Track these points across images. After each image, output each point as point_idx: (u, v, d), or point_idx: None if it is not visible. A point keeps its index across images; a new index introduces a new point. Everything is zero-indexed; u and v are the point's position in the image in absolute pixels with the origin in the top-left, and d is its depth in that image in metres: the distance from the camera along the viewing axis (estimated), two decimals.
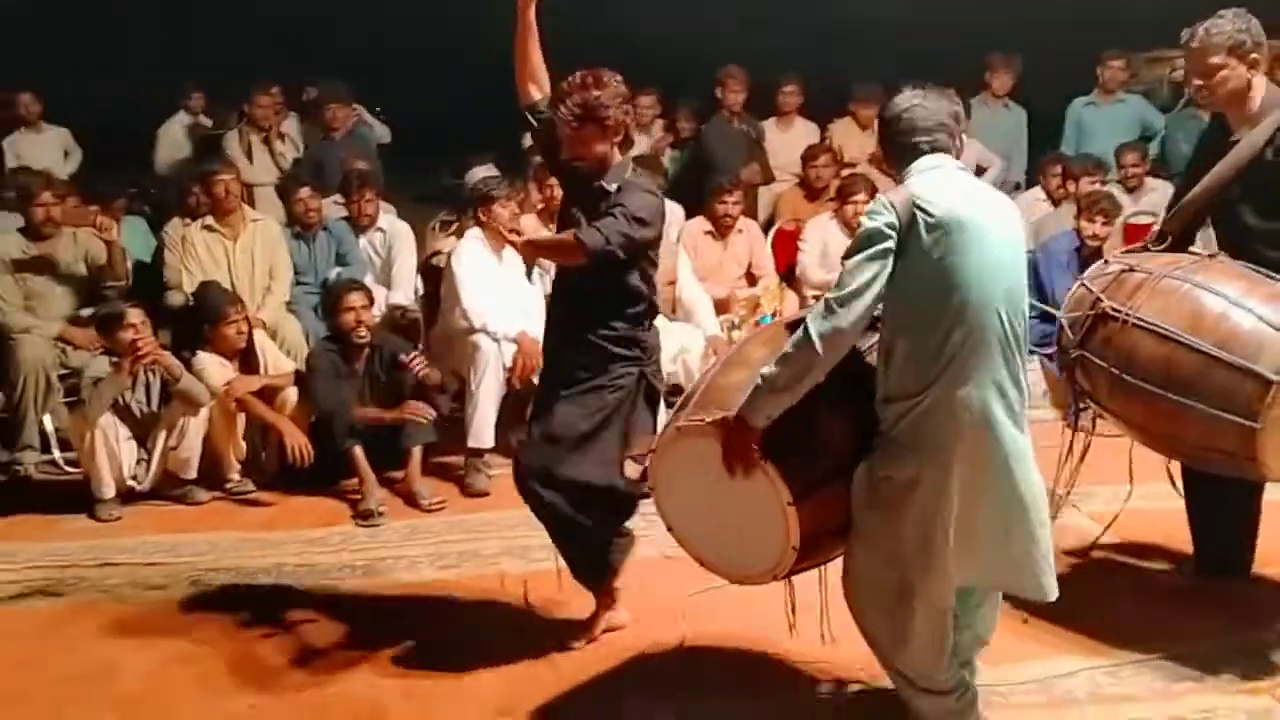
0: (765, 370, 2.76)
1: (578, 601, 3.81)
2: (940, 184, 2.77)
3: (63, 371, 5.67)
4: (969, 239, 2.70)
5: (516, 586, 4.12)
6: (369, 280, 6.19)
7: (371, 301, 5.61)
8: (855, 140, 8.12)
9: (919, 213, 2.69)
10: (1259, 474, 3.38)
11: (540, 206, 6.32)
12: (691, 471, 2.95)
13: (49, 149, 7.94)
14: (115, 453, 5.06)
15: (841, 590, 3.02)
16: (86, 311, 5.77)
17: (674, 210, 7.06)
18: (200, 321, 5.45)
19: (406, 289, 6.34)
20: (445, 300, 5.61)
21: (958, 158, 2.91)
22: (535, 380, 4.40)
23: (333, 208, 6.72)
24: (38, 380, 5.51)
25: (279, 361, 5.57)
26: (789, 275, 6.97)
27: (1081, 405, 3.66)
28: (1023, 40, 8.41)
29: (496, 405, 5.35)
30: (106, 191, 6.89)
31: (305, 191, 6.40)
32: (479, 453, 5.30)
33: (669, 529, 3.13)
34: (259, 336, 5.57)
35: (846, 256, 2.77)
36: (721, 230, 6.63)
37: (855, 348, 2.84)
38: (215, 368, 5.25)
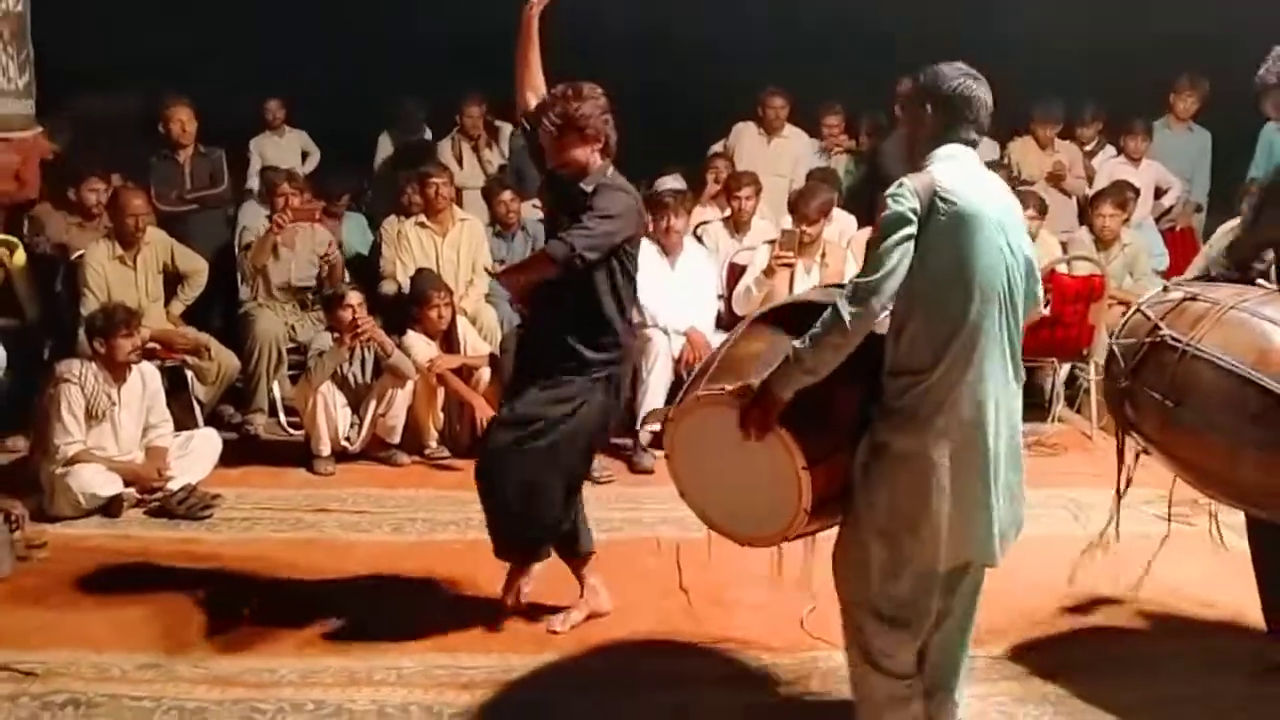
0: (796, 347, 2.84)
1: (725, 564, 3.98)
2: (959, 174, 2.84)
3: (290, 345, 6.50)
4: (981, 229, 2.80)
5: (670, 550, 4.62)
6: None
7: None
8: (1033, 158, 8.27)
9: (939, 200, 2.77)
10: None
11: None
12: (708, 438, 3.06)
13: (290, 150, 8.68)
14: (333, 417, 5.79)
15: (831, 554, 3.10)
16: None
17: (846, 219, 7.47)
18: (410, 304, 6.15)
19: None
20: None
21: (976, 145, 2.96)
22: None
23: (532, 210, 7.37)
24: (270, 352, 6.31)
25: (477, 344, 6.22)
26: None
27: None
28: (1213, 62, 8.37)
29: (665, 393, 5.86)
30: (333, 191, 7.70)
31: (507, 195, 7.09)
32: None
33: (680, 493, 3.25)
34: (460, 322, 6.23)
35: (874, 240, 2.84)
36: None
37: None
38: (421, 346, 5.94)
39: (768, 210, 7.40)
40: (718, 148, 8.38)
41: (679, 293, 5.96)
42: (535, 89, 3.91)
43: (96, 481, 5.09)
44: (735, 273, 6.41)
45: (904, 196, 2.80)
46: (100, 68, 7.81)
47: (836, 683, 3.60)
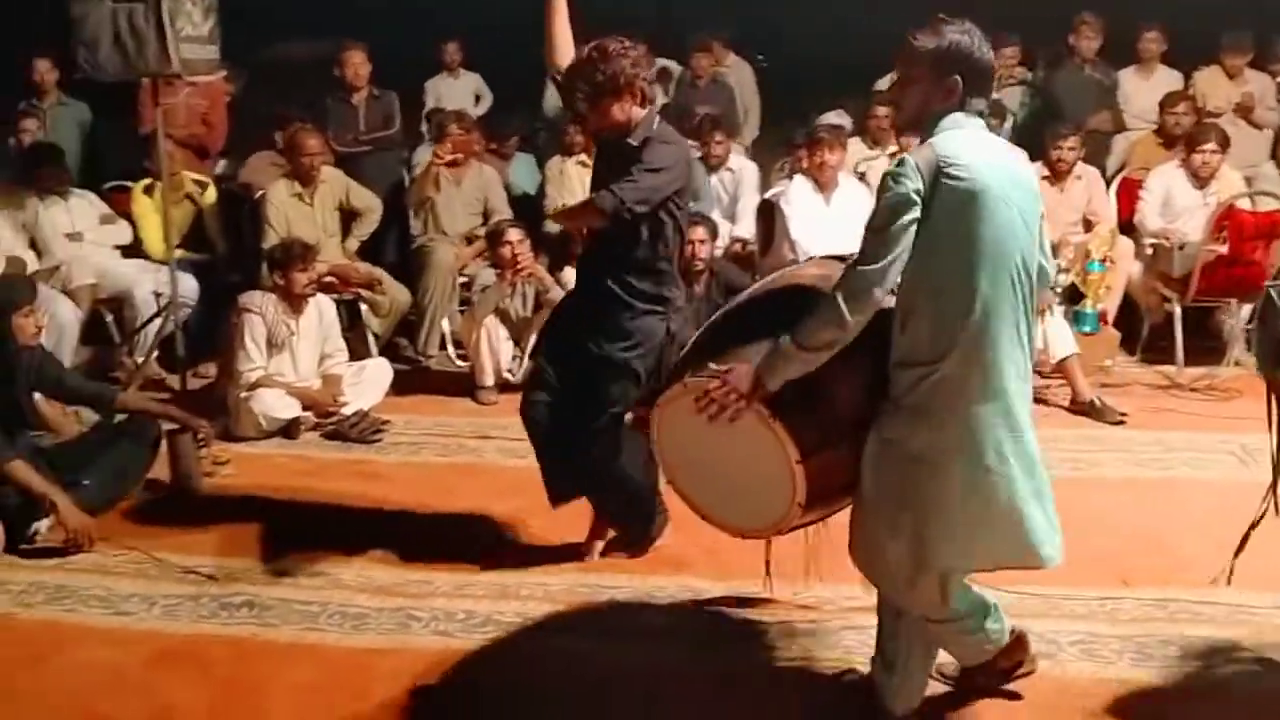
0: (790, 336, 2.67)
1: None
2: (965, 144, 2.63)
3: (462, 280, 6.74)
4: (991, 202, 2.58)
5: None
6: (716, 215, 6.86)
7: (715, 235, 6.26)
8: (1221, 89, 7.85)
9: (944, 177, 2.57)
10: None
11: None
12: (696, 426, 2.84)
13: (463, 92, 8.90)
14: (495, 350, 6.01)
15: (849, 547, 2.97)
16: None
17: (1015, 153, 7.25)
18: (568, 242, 6.30)
19: (748, 223, 6.93)
20: (776, 234, 6.18)
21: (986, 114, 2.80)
22: None
23: (692, 148, 7.41)
24: (443, 284, 6.57)
25: None
26: (1131, 224, 6.98)
27: None
28: None
29: None
30: (503, 132, 7.91)
31: None
32: None
33: (669, 481, 3.14)
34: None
35: (874, 224, 2.64)
36: (1057, 175, 6.74)
37: None
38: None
39: None
40: (883, 83, 8.23)
41: (833, 228, 5.91)
42: (563, 52, 3.86)
43: (277, 405, 5.45)
44: None
45: (906, 176, 2.59)
46: (281, 13, 8.19)
47: None
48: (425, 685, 3.35)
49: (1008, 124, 7.82)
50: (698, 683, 3.34)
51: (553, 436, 3.94)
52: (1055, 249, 6.48)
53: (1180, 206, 6.71)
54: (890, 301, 2.70)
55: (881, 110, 7.36)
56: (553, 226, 6.85)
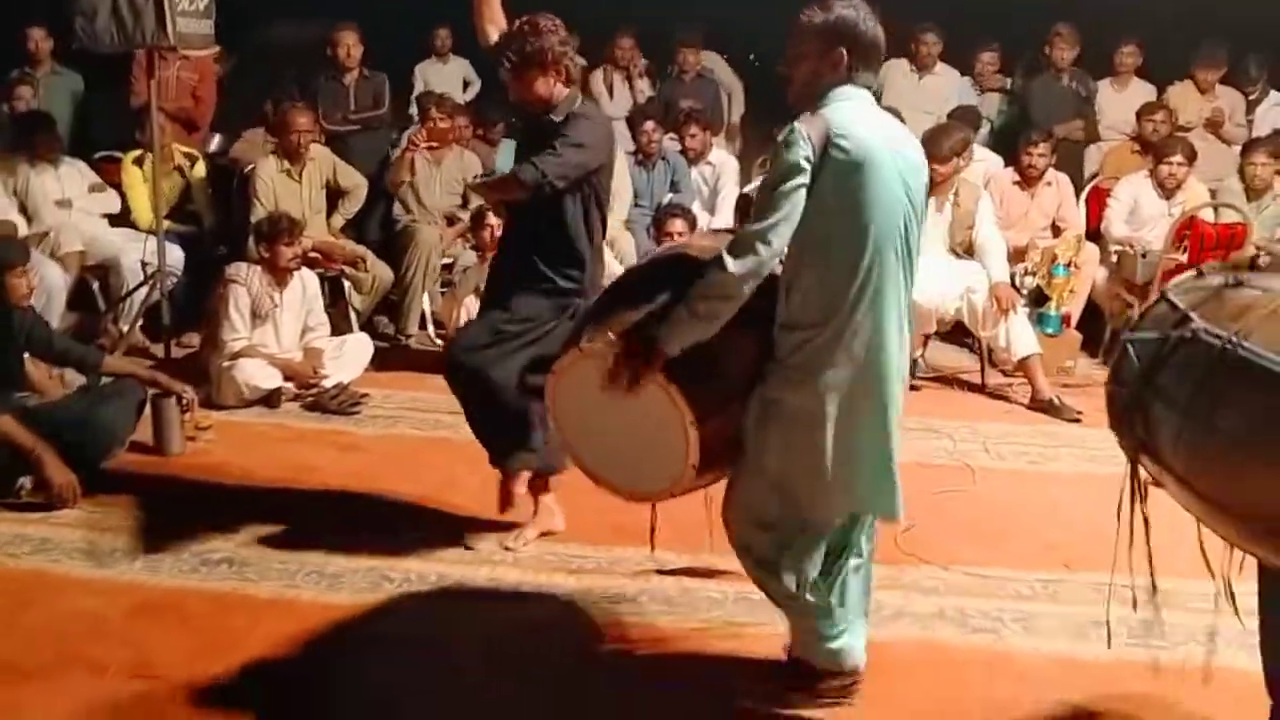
0: (682, 306, 2.73)
1: None
2: (854, 116, 2.73)
3: (445, 261, 6.87)
4: (877, 173, 2.69)
5: None
6: (696, 206, 7.03)
7: (694, 226, 6.42)
8: (1193, 104, 8.06)
9: (832, 145, 2.67)
10: None
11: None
12: (592, 392, 2.88)
13: (452, 77, 8.99)
14: None
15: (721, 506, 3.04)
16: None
17: (989, 158, 7.46)
18: None
19: (727, 216, 7.09)
20: None
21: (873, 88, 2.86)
22: None
23: (672, 141, 7.57)
24: (426, 264, 6.70)
25: (613, 268, 6.48)
26: (1099, 231, 7.17)
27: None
28: None
29: None
30: (490, 118, 8.03)
31: (649, 125, 7.30)
32: None
33: (565, 447, 3.19)
34: None
35: (764, 189, 2.75)
36: (1028, 180, 6.92)
37: None
38: None
39: None
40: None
41: None
42: (495, 22, 3.93)
43: (259, 375, 5.58)
44: None
45: (796, 143, 2.66)
46: None
47: (920, 593, 3.81)
48: (396, 641, 3.50)
49: (984, 129, 8.01)
50: (666, 643, 3.50)
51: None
52: (1023, 252, 6.71)
53: (1146, 215, 6.93)
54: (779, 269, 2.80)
55: None
56: None
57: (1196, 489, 2.54)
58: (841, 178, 2.68)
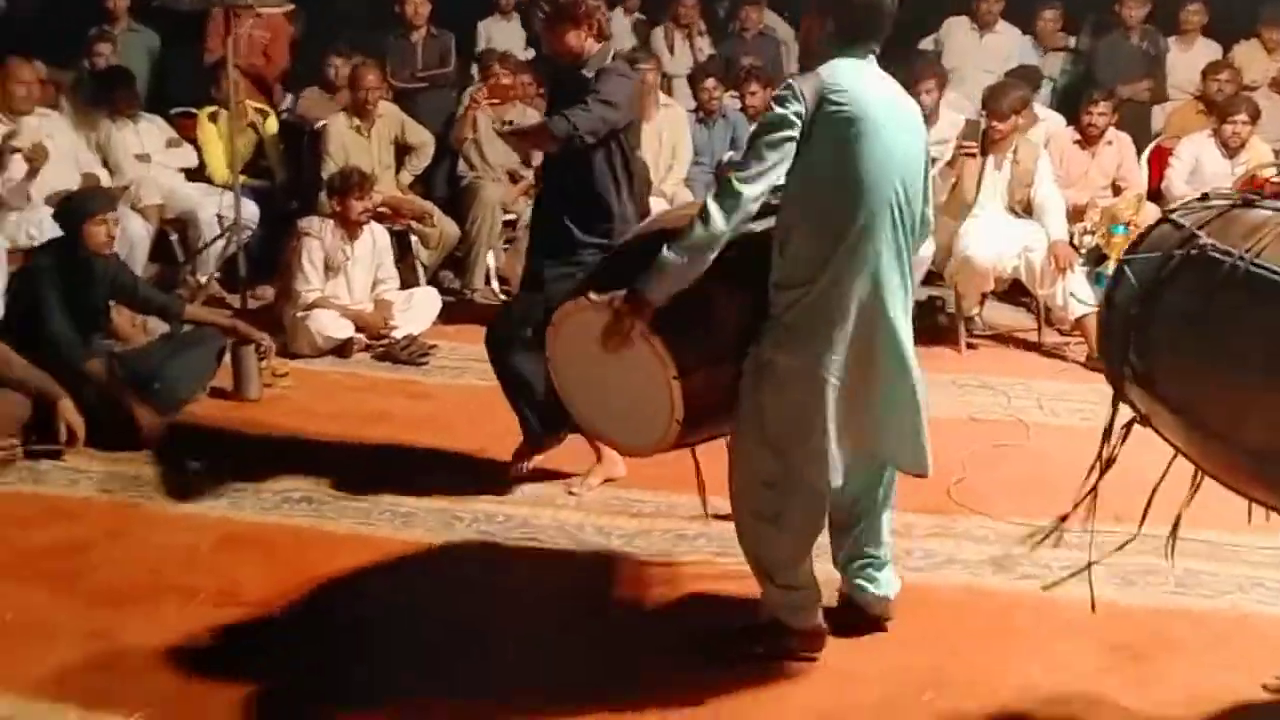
0: (665, 250, 2.76)
1: None
2: (850, 75, 2.78)
3: (509, 218, 7.03)
4: (870, 131, 2.71)
5: None
6: None
7: None
8: (1259, 63, 7.98)
9: (826, 102, 2.71)
10: None
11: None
12: (586, 345, 2.93)
13: (514, 34, 9.13)
14: None
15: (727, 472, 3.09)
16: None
17: (1051, 118, 7.46)
18: None
19: None
20: None
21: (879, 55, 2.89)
22: None
23: (733, 99, 7.65)
24: (490, 220, 6.87)
25: None
26: (1160, 191, 7.16)
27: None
28: None
29: None
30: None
31: (710, 82, 7.38)
32: None
33: (563, 399, 3.21)
34: (657, 203, 6.61)
35: (751, 139, 2.79)
36: (1088, 139, 6.91)
37: (752, 232, 2.84)
38: None
39: (971, 107, 7.45)
40: (927, 43, 8.40)
41: None
42: None
43: (331, 325, 5.79)
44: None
45: (789, 99, 2.73)
46: None
47: (971, 541, 3.94)
48: (464, 580, 3.69)
49: (1045, 89, 7.99)
50: (717, 580, 3.63)
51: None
52: (1082, 211, 6.72)
53: (1209, 175, 6.87)
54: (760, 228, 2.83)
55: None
56: None
57: (1197, 419, 2.43)
58: (834, 133, 2.72)
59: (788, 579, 3.07)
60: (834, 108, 2.72)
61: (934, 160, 6.26)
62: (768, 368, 2.87)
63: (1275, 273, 2.27)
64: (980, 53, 8.15)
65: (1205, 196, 2.68)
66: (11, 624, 3.34)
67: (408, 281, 6.52)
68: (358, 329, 5.87)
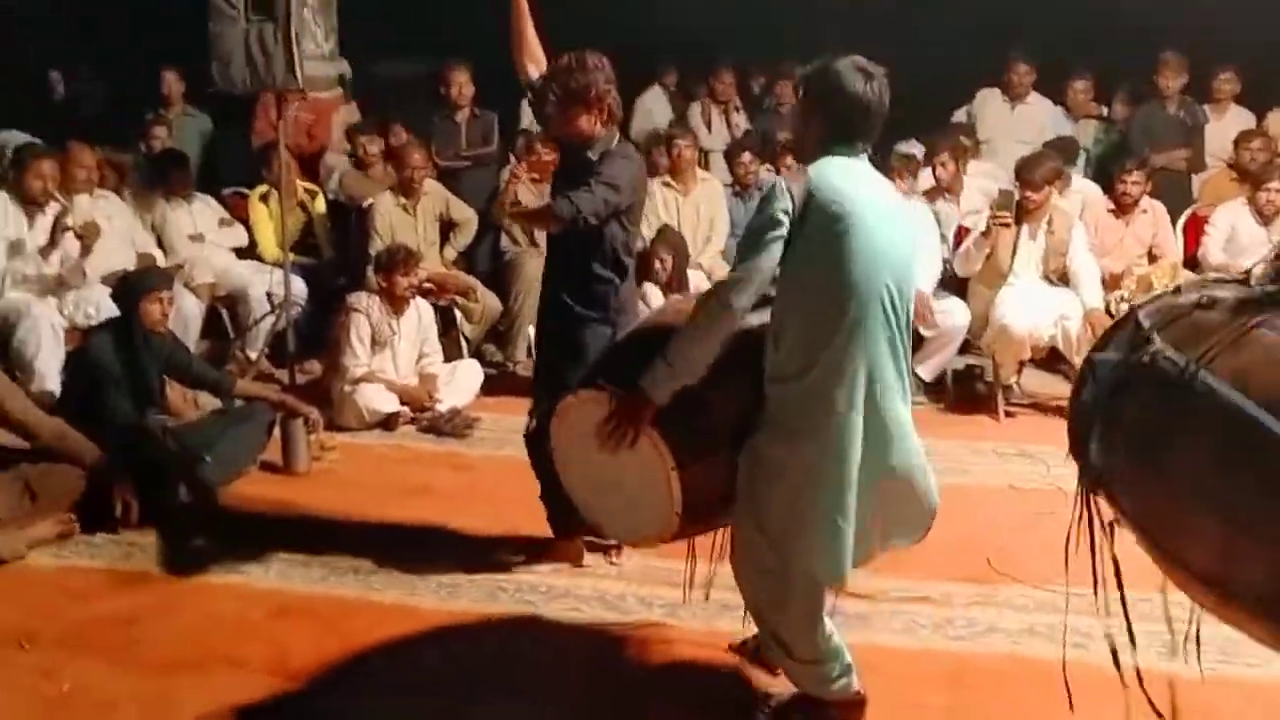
0: (663, 352, 2.86)
1: None
2: (843, 175, 2.83)
3: None
4: (859, 227, 2.76)
5: None
6: None
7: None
8: None
9: (814, 202, 2.76)
10: None
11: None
12: (588, 437, 2.98)
13: None
14: None
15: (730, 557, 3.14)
16: None
17: (1086, 188, 7.52)
18: (650, 258, 6.70)
19: None
20: None
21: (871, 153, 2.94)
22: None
23: (768, 174, 7.78)
24: (531, 293, 6.97)
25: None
26: (1196, 259, 7.19)
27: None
28: None
29: None
30: None
31: (746, 156, 7.53)
32: None
33: (566, 489, 3.25)
34: (696, 276, 6.73)
35: (742, 239, 2.90)
36: (1123, 209, 6.97)
37: (746, 325, 2.90)
38: (656, 295, 6.48)
39: (1005, 177, 7.53)
40: (960, 115, 8.52)
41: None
42: (535, 60, 4.07)
43: (378, 399, 5.91)
44: (963, 236, 6.63)
45: (777, 198, 2.79)
46: (394, 36, 8.71)
47: (1011, 610, 3.95)
48: (510, 646, 3.75)
49: (1080, 159, 8.07)
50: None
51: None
52: (1118, 279, 6.77)
53: (1245, 243, 6.91)
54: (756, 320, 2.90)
55: (963, 139, 7.66)
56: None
57: (1150, 535, 2.35)
58: (822, 232, 2.78)
59: (807, 654, 3.07)
60: (820, 206, 2.78)
61: (967, 230, 6.45)
62: (764, 460, 2.91)
63: (1219, 389, 2.12)
64: (1013, 123, 8.26)
65: (1177, 289, 2.57)
66: (70, 694, 3.43)
67: (451, 355, 6.64)
68: (403, 402, 5.99)
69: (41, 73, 9.07)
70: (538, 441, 3.96)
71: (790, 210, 2.79)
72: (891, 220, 2.88)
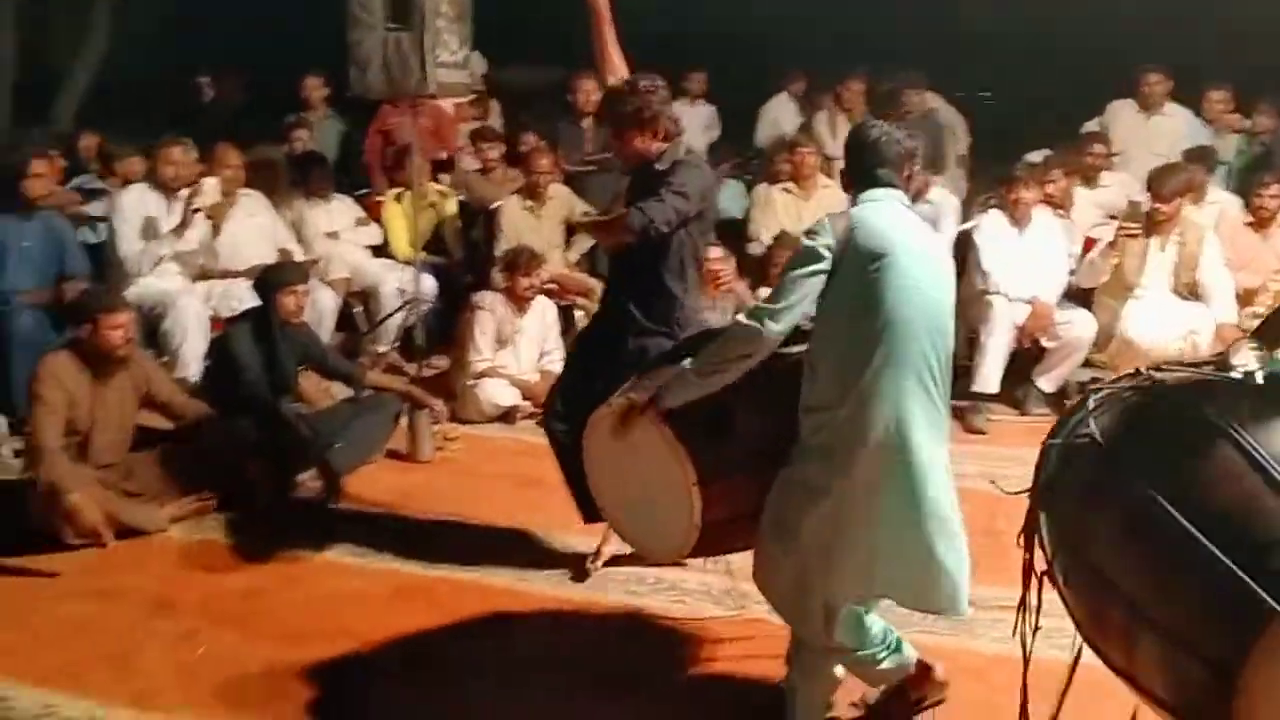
0: (689, 362, 3.01)
1: None
2: (880, 214, 2.97)
3: None
4: (897, 268, 2.87)
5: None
6: None
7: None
8: None
9: (854, 238, 2.89)
10: None
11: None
12: (615, 448, 3.12)
13: (695, 122, 9.37)
14: None
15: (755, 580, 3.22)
16: None
17: (1224, 199, 7.33)
18: (768, 265, 6.76)
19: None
20: (969, 265, 6.46)
21: (907, 192, 3.07)
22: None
23: None
24: None
25: None
26: None
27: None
28: None
29: (1004, 358, 6.13)
30: (714, 160, 8.39)
31: None
32: (982, 396, 6.12)
33: (599, 505, 3.39)
34: None
35: (784, 271, 2.99)
36: (1260, 223, 6.78)
37: (778, 352, 3.00)
38: None
39: (1139, 189, 7.38)
40: (1092, 125, 8.36)
41: (1026, 262, 6.19)
42: (616, 74, 4.14)
43: (499, 394, 6.10)
44: (1089, 247, 6.53)
45: (820, 233, 2.93)
46: (527, 43, 8.95)
47: None
48: (610, 633, 3.89)
49: (1219, 171, 7.85)
50: None
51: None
52: (1253, 294, 6.58)
53: None
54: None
55: (1097, 148, 7.55)
56: (755, 249, 7.31)
57: (1082, 633, 2.37)
58: (860, 268, 2.89)
59: (828, 643, 3.11)
60: (862, 243, 2.90)
61: (1094, 241, 6.36)
62: (793, 485, 3.01)
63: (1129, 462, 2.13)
64: (1147, 134, 8.07)
65: (1137, 372, 2.48)
66: (205, 657, 3.66)
67: None
68: (524, 397, 6.16)
69: (190, 79, 9.54)
70: (568, 445, 3.95)
71: (833, 246, 2.91)
72: (926, 261, 2.98)
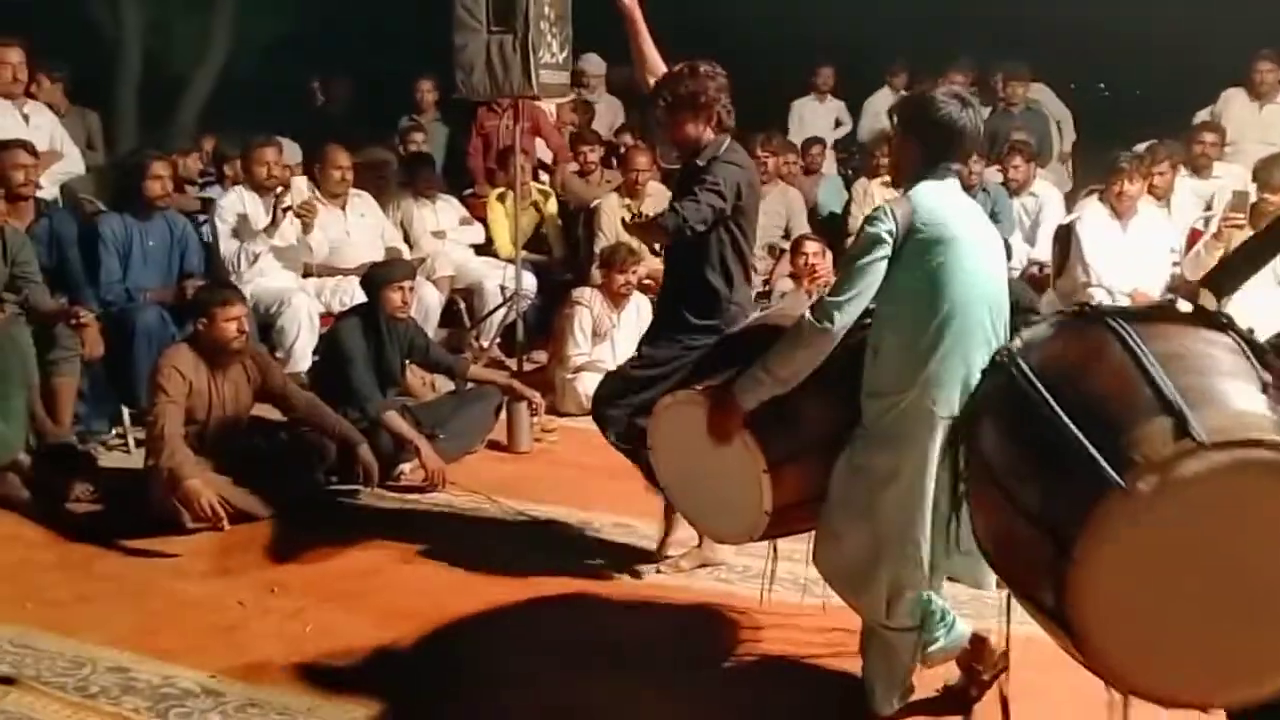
0: (762, 360, 3.00)
1: None
2: (940, 197, 2.96)
3: (761, 290, 7.32)
4: (958, 251, 2.88)
5: None
6: (1016, 237, 7.14)
7: (1009, 256, 6.55)
8: None
9: (916, 225, 2.88)
10: (1076, 649, 2.27)
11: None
12: (684, 436, 3.16)
13: (825, 116, 9.63)
14: None
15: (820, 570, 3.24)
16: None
17: None
18: None
19: (1046, 247, 7.15)
20: (1071, 258, 6.39)
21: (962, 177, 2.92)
22: None
23: (994, 173, 7.71)
24: None
25: None
26: None
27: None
28: None
29: None
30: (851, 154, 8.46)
31: (972, 157, 7.47)
32: None
33: (663, 488, 3.45)
34: None
35: (846, 260, 2.99)
36: None
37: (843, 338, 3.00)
38: None
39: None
40: (1204, 115, 8.18)
41: (1128, 255, 6.10)
42: (655, 74, 4.10)
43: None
44: (1195, 238, 6.40)
45: (881, 220, 2.90)
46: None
47: None
48: (699, 618, 3.99)
49: None
50: None
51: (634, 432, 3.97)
52: None
53: None
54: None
55: (1209, 137, 7.39)
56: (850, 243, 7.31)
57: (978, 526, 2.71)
58: (922, 255, 2.90)
59: (897, 624, 3.12)
60: (923, 230, 2.90)
61: (1200, 233, 6.23)
62: (860, 473, 3.03)
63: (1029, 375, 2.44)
64: (1259, 124, 7.89)
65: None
66: (311, 634, 3.84)
67: None
68: None
69: (303, 83, 9.89)
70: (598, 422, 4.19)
71: (894, 232, 2.91)
72: (985, 244, 3.01)
